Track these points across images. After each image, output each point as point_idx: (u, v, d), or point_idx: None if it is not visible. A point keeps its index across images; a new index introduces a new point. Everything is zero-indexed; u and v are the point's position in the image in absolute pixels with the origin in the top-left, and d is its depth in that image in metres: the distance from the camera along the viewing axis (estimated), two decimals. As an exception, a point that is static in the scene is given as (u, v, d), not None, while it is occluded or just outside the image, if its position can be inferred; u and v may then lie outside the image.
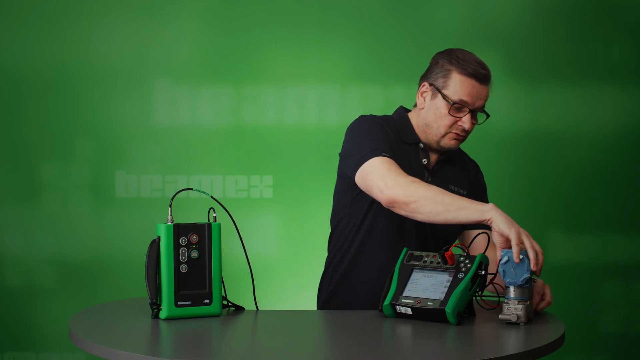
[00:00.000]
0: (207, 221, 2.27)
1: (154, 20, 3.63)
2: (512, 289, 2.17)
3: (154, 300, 2.20)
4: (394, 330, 2.16)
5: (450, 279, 2.20)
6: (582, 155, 3.70)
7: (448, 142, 2.48)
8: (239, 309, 2.35)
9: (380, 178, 2.31)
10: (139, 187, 3.63)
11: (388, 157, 2.35)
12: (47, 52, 3.61)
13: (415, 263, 2.28)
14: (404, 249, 2.34)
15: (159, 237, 2.20)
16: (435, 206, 2.23)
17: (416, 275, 2.26)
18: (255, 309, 2.39)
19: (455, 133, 2.46)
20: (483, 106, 2.47)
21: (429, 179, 2.50)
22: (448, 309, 2.14)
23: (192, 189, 2.30)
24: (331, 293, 2.59)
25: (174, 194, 2.24)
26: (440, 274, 2.23)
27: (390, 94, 3.59)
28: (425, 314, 2.19)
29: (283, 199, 3.66)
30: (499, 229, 2.15)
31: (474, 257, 2.22)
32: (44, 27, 3.61)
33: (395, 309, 2.23)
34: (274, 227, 3.65)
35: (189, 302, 2.21)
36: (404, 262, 2.30)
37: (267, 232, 3.65)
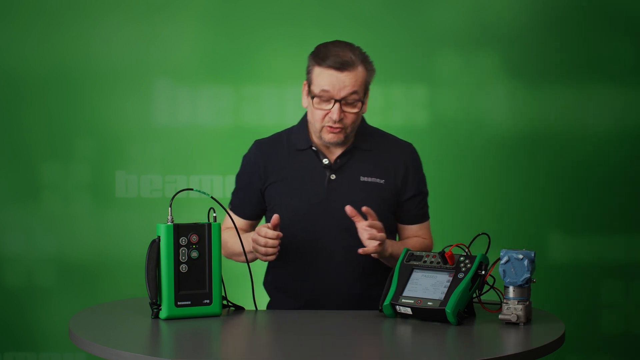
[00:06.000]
0: (207, 221, 2.27)
1: (154, 20, 3.63)
2: (511, 289, 2.17)
3: (154, 300, 2.20)
4: (394, 330, 2.16)
5: (450, 279, 2.20)
6: (582, 155, 3.69)
7: (326, 136, 2.47)
8: (239, 309, 2.35)
9: None
10: (139, 187, 3.63)
11: (230, 209, 2.62)
12: (47, 52, 3.61)
13: (415, 263, 2.28)
14: (404, 249, 2.34)
15: (159, 237, 2.20)
16: (226, 251, 2.54)
17: (416, 275, 2.26)
18: (254, 309, 2.39)
19: (329, 126, 2.45)
20: (352, 93, 2.43)
21: (332, 177, 2.50)
22: (448, 309, 2.14)
23: (192, 189, 2.31)
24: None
25: (174, 194, 2.24)
26: (440, 273, 2.23)
27: (390, 93, 3.59)
28: (425, 314, 2.19)
29: (283, 199, 3.65)
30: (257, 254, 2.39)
31: (474, 257, 2.22)
32: (44, 27, 3.61)
33: (395, 309, 2.23)
34: (274, 227, 3.65)
35: (189, 302, 2.21)
36: (404, 262, 2.30)
37: (267, 232, 3.64)
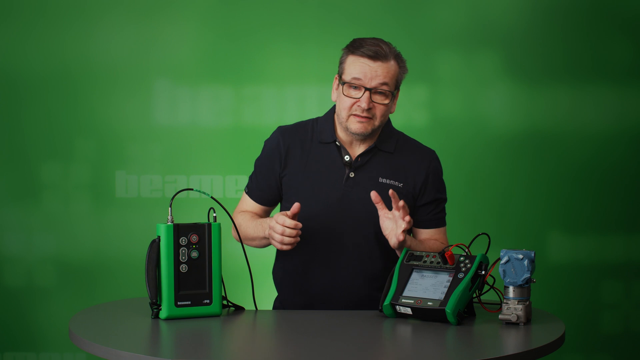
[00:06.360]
0: (207, 221, 2.27)
1: (154, 20, 3.63)
2: (511, 289, 2.17)
3: (154, 300, 2.20)
4: (394, 330, 2.16)
5: (450, 279, 2.20)
6: (582, 155, 3.70)
7: (353, 126, 2.46)
8: (239, 309, 2.35)
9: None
10: (139, 187, 3.63)
11: (246, 193, 2.62)
12: (47, 52, 3.61)
13: (415, 263, 2.29)
14: (404, 249, 2.34)
15: (159, 237, 2.20)
16: (250, 242, 2.51)
17: (416, 275, 2.26)
18: (254, 309, 2.39)
19: (357, 115, 2.45)
20: (382, 84, 2.44)
21: (351, 175, 2.50)
22: (448, 309, 2.14)
23: (192, 189, 2.31)
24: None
25: (174, 194, 2.24)
26: (440, 273, 2.24)
27: (390, 94, 3.58)
28: (425, 314, 2.19)
29: (283, 199, 3.66)
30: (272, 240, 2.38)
31: (474, 257, 2.22)
32: (44, 27, 3.61)
33: (395, 309, 2.23)
34: (274, 227, 3.65)
35: (189, 302, 2.21)
36: (404, 262, 2.30)
37: (267, 232, 3.64)
